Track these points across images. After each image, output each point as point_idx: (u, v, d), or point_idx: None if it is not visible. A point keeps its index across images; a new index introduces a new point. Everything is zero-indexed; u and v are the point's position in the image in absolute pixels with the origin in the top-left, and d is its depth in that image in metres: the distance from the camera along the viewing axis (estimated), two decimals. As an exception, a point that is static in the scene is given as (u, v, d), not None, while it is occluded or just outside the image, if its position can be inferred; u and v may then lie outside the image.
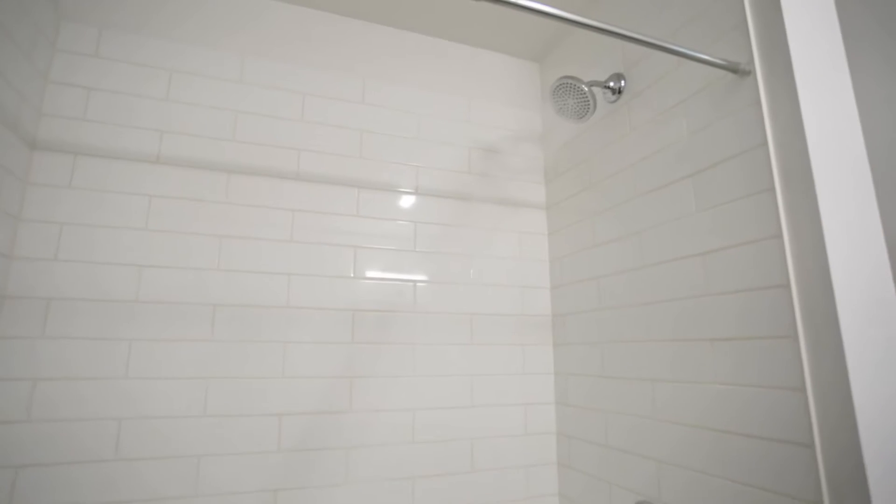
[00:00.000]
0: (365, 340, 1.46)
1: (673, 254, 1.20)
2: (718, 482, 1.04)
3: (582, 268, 1.55)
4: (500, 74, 1.83)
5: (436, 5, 1.61)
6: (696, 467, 1.10)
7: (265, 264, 1.39)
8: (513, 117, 1.80)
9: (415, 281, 1.54)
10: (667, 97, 1.25)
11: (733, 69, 1.03)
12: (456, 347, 1.55)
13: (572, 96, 1.34)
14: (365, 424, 1.41)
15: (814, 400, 0.88)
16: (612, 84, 1.40)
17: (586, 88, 1.30)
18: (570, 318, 1.60)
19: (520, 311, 1.65)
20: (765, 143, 0.99)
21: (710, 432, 1.07)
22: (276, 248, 1.42)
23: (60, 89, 1.30)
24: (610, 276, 1.42)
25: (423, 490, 1.42)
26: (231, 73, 1.47)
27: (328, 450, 1.36)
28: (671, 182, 1.22)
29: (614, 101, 1.42)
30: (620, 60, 1.43)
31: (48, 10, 1.28)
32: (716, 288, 1.08)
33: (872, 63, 1.09)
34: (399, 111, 1.64)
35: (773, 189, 0.97)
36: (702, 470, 1.08)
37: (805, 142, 0.93)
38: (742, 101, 1.05)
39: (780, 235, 0.95)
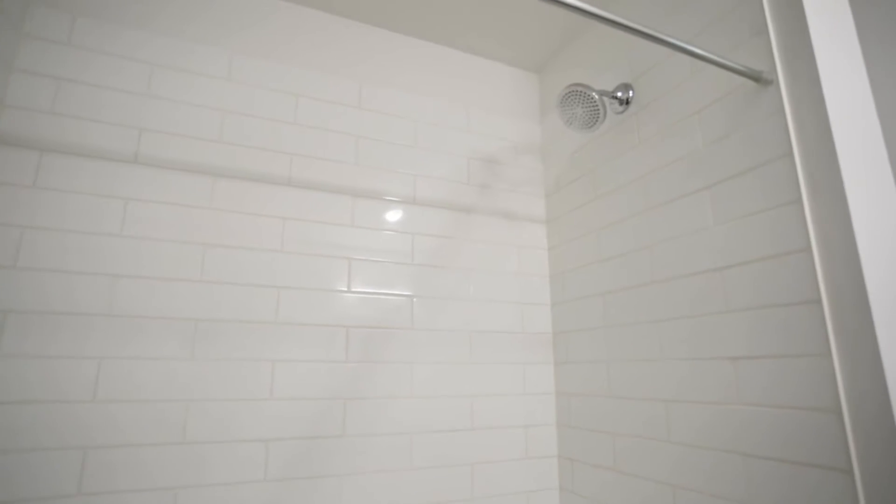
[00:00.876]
0: (359, 359, 1.36)
1: (688, 269, 1.16)
2: (744, 509, 0.98)
3: (586, 284, 1.50)
4: (499, 84, 1.79)
5: (435, 10, 1.56)
6: (717, 493, 1.04)
7: (253, 276, 1.29)
8: (512, 128, 1.76)
9: (412, 296, 1.46)
10: (679, 108, 1.22)
11: (756, 77, 1.00)
12: (455, 366, 1.46)
13: (581, 105, 1.31)
14: (359, 450, 1.30)
15: (850, 421, 0.84)
16: (619, 94, 1.37)
17: (597, 96, 1.26)
18: (572, 335, 1.54)
19: (520, 329, 1.58)
20: (790, 153, 0.97)
21: (733, 455, 1.02)
22: (265, 258, 1.31)
23: (26, 79, 1.18)
24: (617, 291, 1.37)
25: (419, 521, 1.32)
26: (218, 69, 1.37)
27: (319, 478, 1.24)
28: (685, 194, 1.18)
29: (621, 112, 1.39)
30: (627, 71, 1.40)
31: (17, -8, 1.16)
32: (737, 304, 1.04)
33: (888, 67, 1.08)
34: (397, 117, 1.57)
35: (799, 201, 0.94)
36: (724, 496, 1.03)
37: (834, 151, 0.90)
38: (763, 111, 1.02)
39: (808, 249, 0.92)
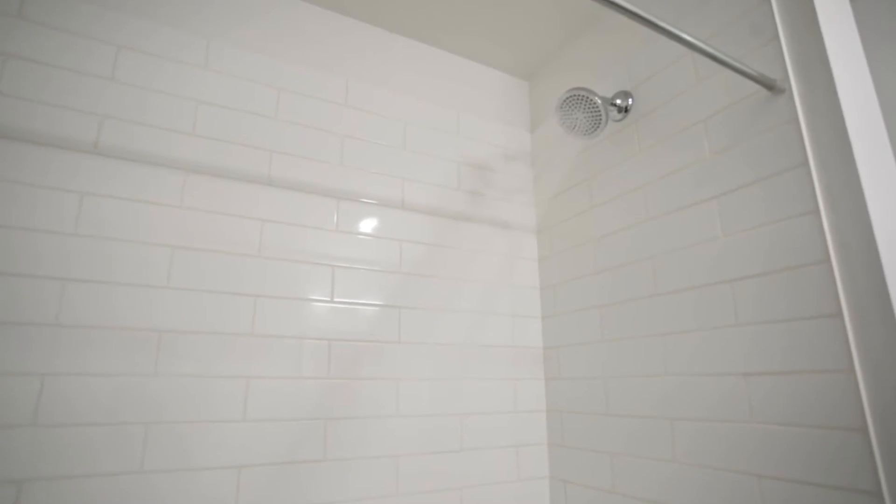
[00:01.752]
0: (342, 375, 1.24)
1: (695, 280, 1.12)
2: (761, 534, 0.93)
3: (580, 296, 1.44)
4: (489, 89, 1.74)
5: (427, 9, 1.49)
6: (729, 517, 0.99)
7: (226, 283, 1.16)
8: (502, 135, 1.70)
9: (399, 307, 1.36)
10: (684, 116, 1.19)
11: (770, 85, 0.98)
12: (444, 383, 1.37)
13: (583, 110, 1.26)
14: (341, 476, 1.18)
15: (877, 440, 0.80)
16: (618, 102, 1.34)
17: (599, 101, 1.22)
18: (564, 350, 1.48)
19: (510, 343, 1.51)
20: (805, 163, 0.94)
21: (746, 476, 0.97)
22: (241, 264, 1.19)
23: (-31, 53, 1.03)
24: (615, 304, 1.32)
25: (405, 553, 1.21)
26: (194, 56, 1.25)
27: (297, 510, 1.12)
28: (691, 204, 1.15)
29: (620, 120, 1.36)
30: (626, 79, 1.37)
31: (-40, -46, 1.02)
32: (749, 317, 1.00)
33: (888, 71, 1.09)
34: (385, 117, 1.49)
35: (816, 211, 0.91)
36: (736, 520, 0.97)
37: (853, 161, 0.88)
38: (775, 120, 1.00)
39: (827, 260, 0.89)
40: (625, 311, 1.29)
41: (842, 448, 0.83)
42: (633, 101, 1.33)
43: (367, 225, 1.37)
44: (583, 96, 1.24)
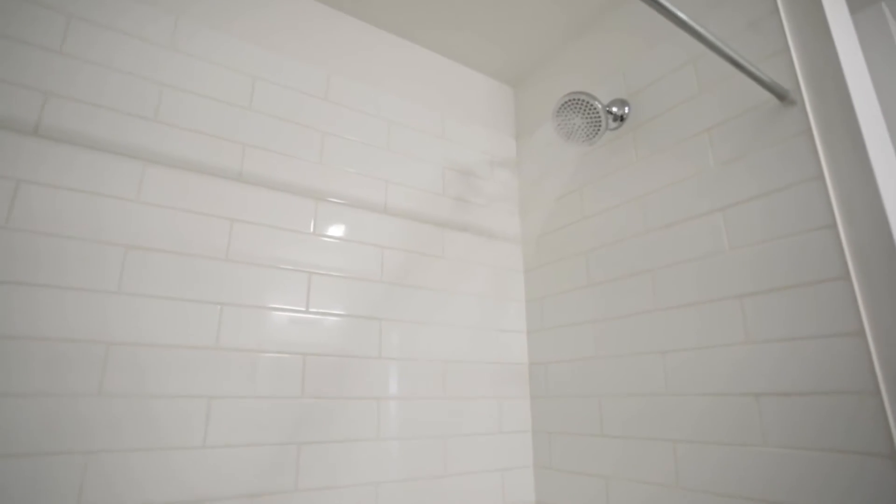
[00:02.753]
0: (317, 394, 1.12)
1: (699, 296, 1.07)
2: (776, 568, 0.87)
3: (571, 310, 1.37)
4: (475, 93, 1.67)
5: (416, 6, 1.41)
6: (738, 548, 0.93)
7: (188, 289, 1.02)
8: (487, 140, 1.63)
9: (380, 319, 1.25)
10: (686, 126, 1.15)
11: (782, 95, 0.95)
12: (427, 402, 1.26)
13: (582, 115, 1.20)
14: (315, 510, 1.05)
15: (904, 467, 0.76)
16: (614, 109, 1.29)
17: (600, 107, 1.17)
18: (552, 366, 1.40)
19: (495, 359, 1.42)
20: (820, 175, 0.91)
21: (758, 505, 0.91)
22: (206, 268, 1.05)
23: None
24: (611, 319, 1.25)
25: None
26: (159, 34, 1.12)
27: (264, 551, 0.98)
28: (694, 216, 1.10)
29: (615, 129, 1.31)
30: (623, 87, 1.33)
31: None
32: (760, 336, 0.95)
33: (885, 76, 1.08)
34: (368, 115, 1.38)
35: (833, 225, 0.88)
36: (746, 551, 0.91)
37: (872, 173, 0.85)
38: (786, 132, 0.97)
39: (846, 276, 0.85)
40: (622, 327, 1.22)
41: (868, 474, 0.79)
42: (629, 109, 1.29)
43: (347, 229, 1.26)
44: (583, 101, 1.18)
